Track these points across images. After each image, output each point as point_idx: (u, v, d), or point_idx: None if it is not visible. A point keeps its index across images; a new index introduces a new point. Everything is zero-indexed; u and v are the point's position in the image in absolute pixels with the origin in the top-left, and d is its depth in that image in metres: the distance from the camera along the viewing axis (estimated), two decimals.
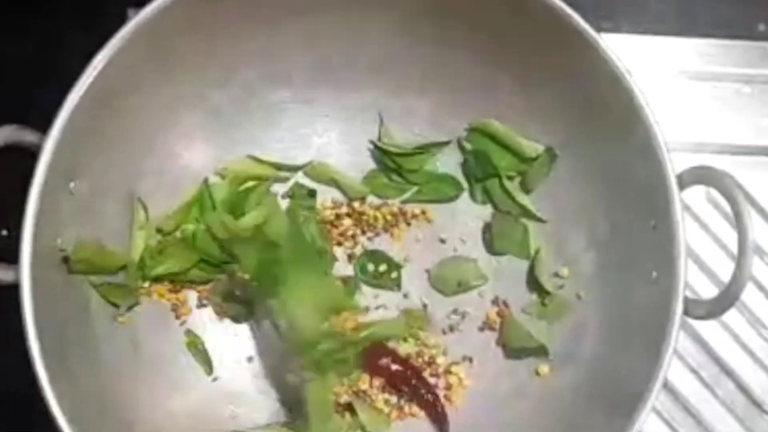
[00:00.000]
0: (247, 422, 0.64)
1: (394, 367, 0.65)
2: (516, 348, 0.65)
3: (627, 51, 0.70)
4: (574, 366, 0.63)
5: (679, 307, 0.55)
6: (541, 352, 0.64)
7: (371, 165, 0.69)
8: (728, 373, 0.70)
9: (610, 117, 0.59)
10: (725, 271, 0.69)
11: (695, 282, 0.70)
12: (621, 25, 0.76)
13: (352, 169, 0.69)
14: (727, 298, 0.54)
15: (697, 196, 0.72)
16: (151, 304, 0.65)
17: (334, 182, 0.68)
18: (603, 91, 0.59)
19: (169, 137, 0.64)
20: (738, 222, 0.53)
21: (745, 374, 0.70)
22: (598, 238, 0.63)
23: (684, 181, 0.56)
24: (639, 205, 0.58)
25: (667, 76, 0.74)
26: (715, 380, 0.70)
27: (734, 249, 0.53)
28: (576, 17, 0.57)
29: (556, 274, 0.66)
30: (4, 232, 0.71)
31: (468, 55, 0.64)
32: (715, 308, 0.55)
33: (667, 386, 0.69)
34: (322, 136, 0.69)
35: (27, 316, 0.52)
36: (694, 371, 0.70)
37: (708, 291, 0.70)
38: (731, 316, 0.70)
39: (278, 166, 0.67)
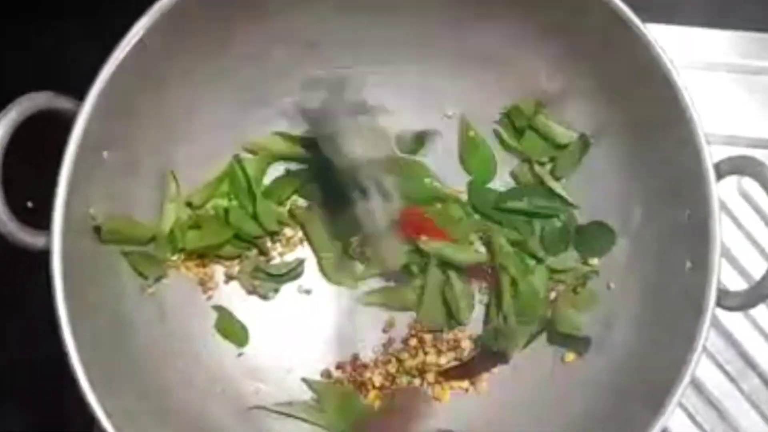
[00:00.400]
0: (270, 398, 0.64)
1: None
2: (562, 334, 0.65)
3: (663, 42, 0.70)
4: (604, 355, 0.62)
5: (712, 298, 0.54)
6: (585, 343, 0.64)
7: None
8: (754, 368, 0.70)
9: (649, 105, 0.59)
10: (756, 266, 0.69)
11: (725, 277, 0.69)
12: (657, 16, 0.75)
13: None
14: (762, 289, 0.54)
15: (729, 190, 0.71)
16: (179, 278, 0.65)
17: None
18: (643, 80, 0.58)
19: (201, 110, 0.64)
20: None
21: None
22: (631, 227, 0.63)
23: (721, 171, 0.56)
24: (674, 194, 0.58)
25: (702, 69, 0.73)
26: (740, 375, 0.70)
27: (765, 244, 0.53)
28: (623, 6, 0.57)
29: (586, 263, 0.65)
30: (30, 204, 0.71)
31: (507, 38, 0.64)
32: (748, 299, 0.55)
33: (692, 381, 0.68)
34: None
35: (56, 282, 0.53)
36: (719, 366, 0.70)
37: (738, 286, 0.69)
38: (759, 311, 0.70)
39: (305, 142, 0.67)
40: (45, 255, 0.53)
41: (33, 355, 0.66)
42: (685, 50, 0.73)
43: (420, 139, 0.68)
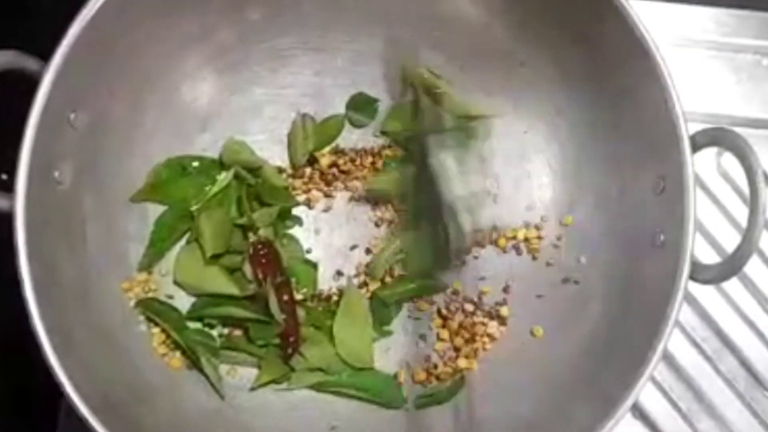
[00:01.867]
0: None
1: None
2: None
3: (645, 19, 0.69)
4: (578, 329, 0.62)
5: (685, 271, 0.54)
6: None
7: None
8: (731, 347, 0.69)
9: (625, 76, 0.58)
10: (732, 243, 0.68)
11: (700, 252, 0.68)
12: None
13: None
14: (735, 262, 0.53)
15: (708, 166, 0.70)
16: None
17: None
18: (620, 51, 0.58)
19: (172, 74, 0.63)
20: (750, 181, 0.52)
21: (748, 350, 0.69)
22: (609, 199, 0.62)
23: (697, 143, 0.55)
24: (650, 166, 0.58)
25: (683, 46, 0.73)
26: (717, 355, 0.69)
27: (742, 222, 0.52)
28: None
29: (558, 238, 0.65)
30: (4, 176, 0.70)
31: (482, 11, 0.63)
32: (722, 273, 0.54)
33: (668, 359, 0.68)
34: (330, 83, 0.67)
35: (19, 243, 0.51)
36: (696, 345, 0.69)
37: (713, 261, 0.69)
38: (736, 290, 0.69)
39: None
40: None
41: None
42: (665, 27, 0.73)
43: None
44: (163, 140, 0.64)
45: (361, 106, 0.67)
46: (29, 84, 0.53)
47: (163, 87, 0.63)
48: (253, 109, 0.67)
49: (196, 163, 0.65)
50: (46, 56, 0.54)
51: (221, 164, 0.65)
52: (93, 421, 0.51)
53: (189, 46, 0.63)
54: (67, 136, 0.56)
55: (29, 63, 0.53)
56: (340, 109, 0.67)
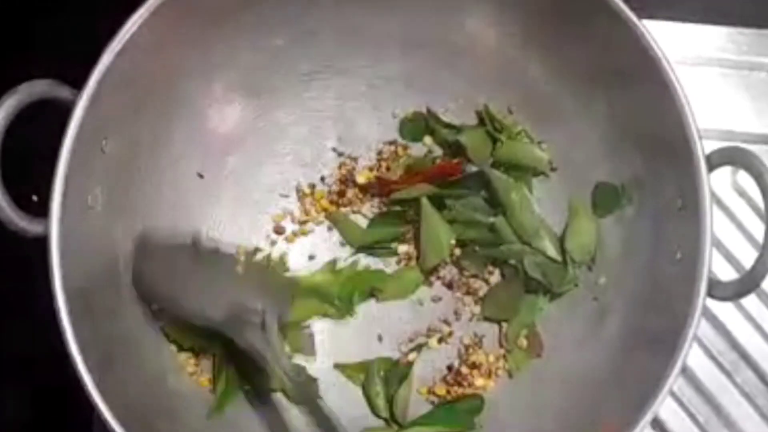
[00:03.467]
0: None
1: None
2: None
3: (658, 38, 0.70)
4: (597, 347, 0.63)
5: (703, 288, 0.55)
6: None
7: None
8: (748, 360, 0.70)
9: (641, 97, 0.60)
10: (749, 259, 0.69)
11: (718, 269, 0.70)
12: (654, 12, 0.75)
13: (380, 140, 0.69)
14: (753, 279, 0.54)
15: (723, 183, 0.71)
16: None
17: None
18: (635, 73, 0.59)
19: (199, 100, 0.64)
20: (765, 199, 0.53)
21: (765, 363, 0.70)
22: (625, 219, 0.63)
23: (713, 162, 0.56)
24: (666, 185, 0.59)
25: (697, 65, 0.74)
26: (734, 367, 0.70)
27: (759, 238, 0.53)
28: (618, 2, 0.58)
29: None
30: (35, 198, 0.71)
31: (500, 32, 0.65)
32: (739, 289, 0.55)
33: (686, 372, 0.69)
34: (352, 106, 0.69)
35: (54, 266, 0.53)
36: (713, 358, 0.70)
37: (730, 278, 0.70)
38: (753, 304, 0.70)
39: None
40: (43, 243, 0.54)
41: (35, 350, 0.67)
42: (679, 46, 0.74)
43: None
44: (190, 163, 0.66)
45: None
46: (60, 112, 0.55)
47: (190, 112, 0.64)
48: (277, 131, 0.68)
49: None
50: (77, 85, 0.55)
51: None
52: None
53: (215, 72, 0.64)
54: (99, 162, 0.58)
55: (63, 92, 0.55)
56: (363, 130, 0.69)
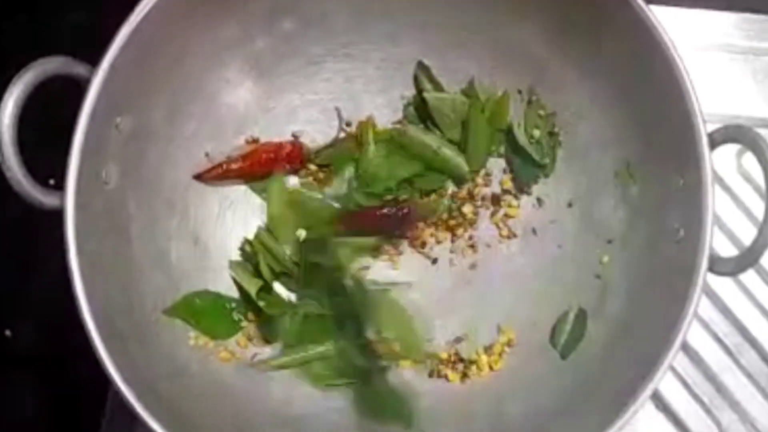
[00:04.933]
0: None
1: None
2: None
3: (666, 23, 0.71)
4: (601, 322, 0.64)
5: (704, 263, 0.55)
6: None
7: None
8: (752, 342, 0.71)
9: (646, 79, 0.60)
10: (749, 236, 0.70)
11: (718, 245, 0.70)
12: None
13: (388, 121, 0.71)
14: (752, 255, 0.55)
15: (729, 167, 0.72)
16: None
17: None
18: (641, 56, 0.60)
19: (212, 81, 0.66)
20: (766, 175, 0.54)
21: None
22: (628, 195, 0.64)
23: (715, 140, 0.57)
24: (669, 163, 0.59)
25: (703, 50, 0.75)
26: (738, 349, 0.71)
27: (759, 215, 0.54)
28: None
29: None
30: (51, 182, 0.73)
31: (510, 16, 0.66)
32: (739, 265, 0.56)
33: (690, 353, 0.70)
34: (361, 89, 0.70)
35: (69, 239, 0.55)
36: (718, 339, 0.71)
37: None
38: (757, 286, 0.71)
39: None
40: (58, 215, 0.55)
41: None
42: (687, 31, 0.75)
43: None
44: (202, 143, 0.67)
45: None
46: (75, 89, 0.57)
47: (203, 93, 0.66)
48: (288, 113, 0.70)
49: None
50: (92, 63, 0.57)
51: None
52: (140, 408, 0.54)
53: (228, 54, 0.65)
54: (113, 139, 0.59)
55: (78, 68, 0.56)
56: (371, 112, 0.70)
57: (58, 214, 0.55)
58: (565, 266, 0.68)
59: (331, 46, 0.68)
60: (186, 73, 0.64)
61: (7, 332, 0.74)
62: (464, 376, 0.67)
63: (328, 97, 0.70)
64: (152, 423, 0.53)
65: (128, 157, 0.61)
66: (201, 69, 0.65)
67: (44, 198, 0.55)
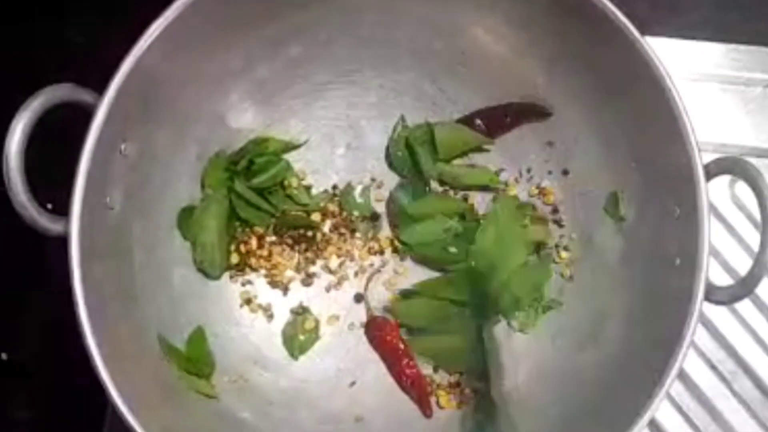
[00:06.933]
0: None
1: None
2: None
3: (660, 54, 0.72)
4: (596, 350, 0.64)
5: (700, 292, 0.56)
6: None
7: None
8: (746, 369, 0.71)
9: (642, 111, 0.61)
10: (744, 266, 0.71)
11: (713, 274, 0.71)
12: (654, 28, 0.77)
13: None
14: (748, 284, 0.56)
15: (722, 196, 0.73)
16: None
17: None
18: (636, 85, 0.61)
19: (215, 106, 0.67)
20: (761, 206, 0.55)
21: (763, 371, 0.71)
22: (625, 225, 0.65)
23: (710, 171, 0.58)
24: (666, 193, 0.60)
25: (696, 80, 0.76)
26: (732, 376, 0.71)
27: (754, 245, 0.55)
28: (621, 17, 0.60)
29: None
30: (49, 206, 0.73)
31: (507, 45, 0.67)
32: (735, 294, 0.57)
33: (685, 380, 0.71)
34: (362, 115, 0.71)
35: (73, 264, 0.55)
36: (713, 366, 0.71)
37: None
38: (751, 313, 0.72)
39: None
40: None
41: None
42: (680, 62, 0.76)
43: None
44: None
45: None
46: (82, 116, 0.57)
47: (207, 118, 0.67)
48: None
49: None
50: (98, 91, 0.57)
51: None
52: (137, 426, 0.54)
53: (232, 80, 0.67)
54: (118, 164, 0.59)
55: (84, 95, 0.57)
56: (371, 139, 0.71)
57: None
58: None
59: (332, 73, 0.70)
60: (190, 99, 0.64)
61: (3, 355, 0.74)
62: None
63: (328, 124, 0.71)
64: None
65: (133, 181, 0.61)
66: (205, 95, 0.66)
67: (50, 224, 0.56)
